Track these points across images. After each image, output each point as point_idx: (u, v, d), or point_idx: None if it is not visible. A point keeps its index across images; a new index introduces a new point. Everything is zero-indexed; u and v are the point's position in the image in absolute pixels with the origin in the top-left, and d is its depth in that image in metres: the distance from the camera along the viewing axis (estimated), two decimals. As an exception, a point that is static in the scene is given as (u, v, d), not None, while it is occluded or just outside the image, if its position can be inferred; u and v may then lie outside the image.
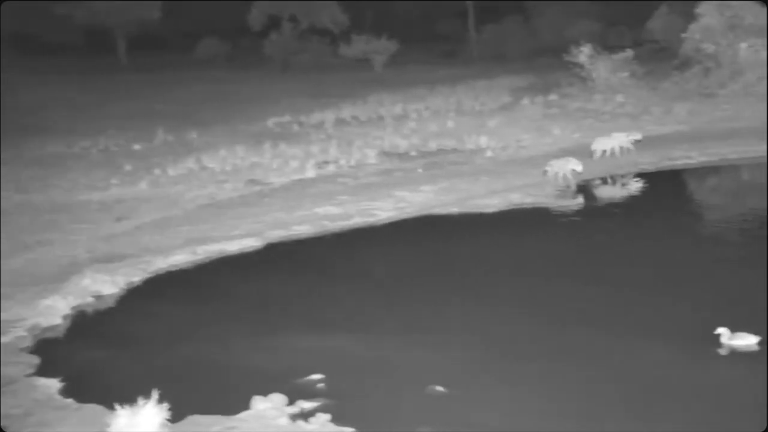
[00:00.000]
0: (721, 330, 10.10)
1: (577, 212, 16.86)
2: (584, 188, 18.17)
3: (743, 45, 27.80)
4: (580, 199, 17.52)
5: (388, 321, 11.73)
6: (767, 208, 15.43)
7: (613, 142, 20.62)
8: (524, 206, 17.09)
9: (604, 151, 20.34)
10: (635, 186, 18.05)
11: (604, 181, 18.71)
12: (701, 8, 29.29)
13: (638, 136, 20.68)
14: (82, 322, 12.33)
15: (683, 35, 29.80)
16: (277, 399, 9.32)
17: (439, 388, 9.50)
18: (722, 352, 9.96)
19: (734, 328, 10.11)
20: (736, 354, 9.88)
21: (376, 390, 9.65)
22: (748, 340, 10.01)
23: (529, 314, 11.54)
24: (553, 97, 29.61)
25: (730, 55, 28.00)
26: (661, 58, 33.22)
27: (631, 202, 17.45)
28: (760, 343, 9.94)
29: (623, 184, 18.30)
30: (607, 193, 18.12)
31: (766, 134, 20.18)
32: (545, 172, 18.42)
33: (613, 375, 9.64)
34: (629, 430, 8.38)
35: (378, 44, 44.22)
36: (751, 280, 12.04)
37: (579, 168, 18.08)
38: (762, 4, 28.96)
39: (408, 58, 44.14)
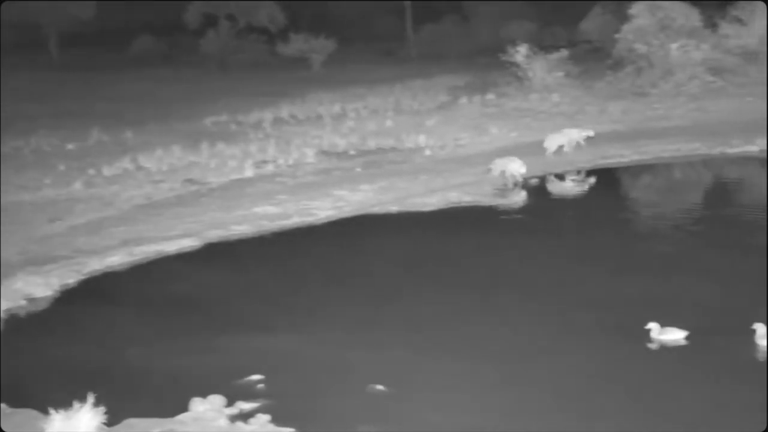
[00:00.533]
0: (652, 325, 10.33)
1: (515, 210, 17.08)
2: (522, 187, 18.35)
3: (674, 45, 28.35)
4: (517, 198, 17.74)
5: (328, 320, 11.73)
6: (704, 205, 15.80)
7: (565, 138, 20.93)
8: (462, 205, 17.22)
9: (561, 146, 20.68)
10: (571, 184, 18.29)
11: (542, 179, 18.90)
12: (634, 9, 29.80)
13: (590, 133, 21.02)
14: (15, 326, 12.07)
15: (616, 36, 30.26)
16: (216, 400, 9.26)
17: (380, 387, 9.52)
18: (653, 346, 10.19)
19: (666, 323, 10.35)
20: (665, 348, 10.13)
21: (317, 390, 9.65)
22: (675, 335, 10.25)
23: (469, 313, 11.64)
24: (490, 96, 29.82)
25: (661, 55, 28.52)
26: (595, 58, 33.66)
27: (568, 199, 17.70)
28: (687, 338, 10.19)
29: (560, 183, 18.51)
30: (544, 191, 18.32)
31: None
32: (489, 170, 18.57)
33: (551, 371, 9.78)
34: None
35: (316, 43, 44.04)
36: (684, 275, 12.35)
37: (523, 170, 18.27)
38: (692, 5, 29.63)
39: (346, 57, 44.05)
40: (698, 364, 9.69)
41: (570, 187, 18.23)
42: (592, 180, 18.87)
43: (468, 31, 48.07)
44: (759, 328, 9.97)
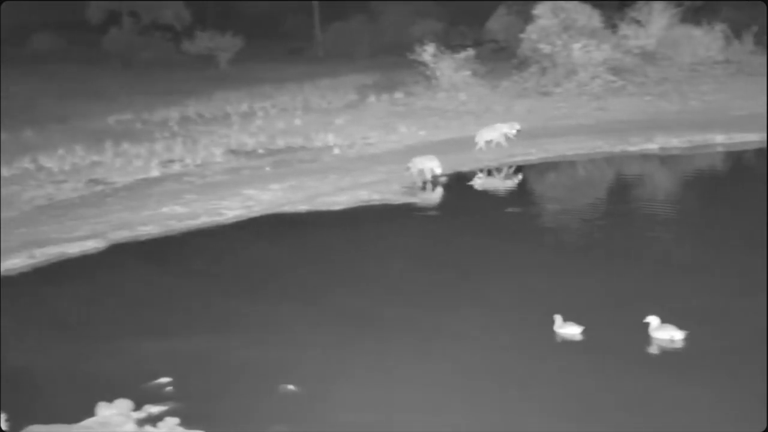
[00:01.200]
0: (556, 317, 10.58)
1: (426, 208, 17.22)
2: (431, 185, 18.51)
3: (576, 46, 29.02)
4: (428, 196, 17.91)
5: (238, 321, 11.62)
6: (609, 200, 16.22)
7: (496, 132, 21.22)
8: (372, 203, 17.29)
9: (491, 141, 20.97)
10: (480, 182, 18.54)
11: (450, 177, 19.09)
12: (538, 10, 30.38)
13: (518, 126, 21.36)
14: None
15: (521, 36, 30.84)
16: (123, 404, 9.08)
17: (291, 387, 9.48)
18: (556, 340, 10.44)
19: (569, 317, 10.60)
20: (565, 342, 10.39)
21: (227, 391, 9.56)
22: (573, 329, 10.52)
23: (381, 310, 11.68)
24: (398, 95, 30.01)
25: (564, 55, 29.15)
26: (501, 58, 34.24)
27: (477, 197, 17.92)
28: (583, 333, 10.46)
29: (468, 181, 18.73)
30: (452, 189, 18.49)
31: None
32: (407, 168, 18.68)
33: (458, 366, 9.91)
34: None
35: (223, 41, 43.53)
36: (589, 269, 12.68)
37: (438, 169, 18.45)
38: (593, 7, 30.38)
39: (254, 55, 43.68)
40: (594, 358, 9.92)
41: (479, 184, 18.45)
42: (501, 177, 19.19)
43: (376, 30, 48.24)
44: (653, 320, 10.27)
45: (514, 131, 21.14)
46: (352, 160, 21.05)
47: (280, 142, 23.22)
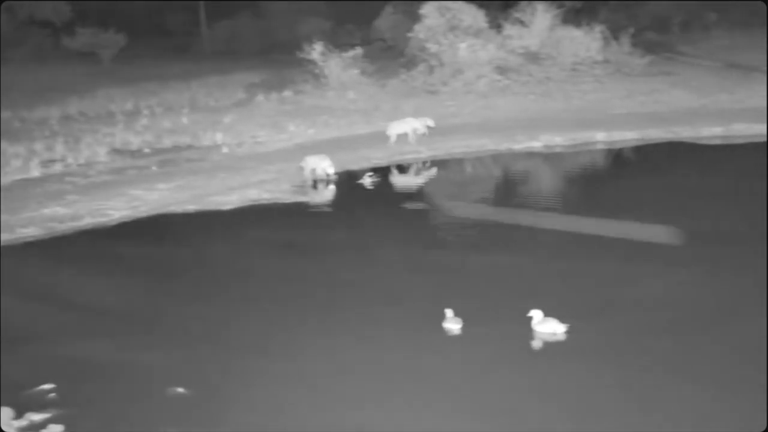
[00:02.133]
0: (447, 310, 10.76)
1: (316, 207, 17.20)
2: (322, 183, 18.51)
3: (463, 45, 29.52)
4: (317, 194, 17.90)
5: (124, 323, 11.34)
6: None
7: (407, 126, 21.33)
8: (262, 202, 17.17)
9: (406, 133, 21.14)
10: (369, 180, 18.62)
11: (341, 176, 19.12)
12: (424, 9, 30.78)
13: (430, 123, 21.64)
14: None
15: (409, 35, 31.19)
16: (3, 413, 8.75)
17: (181, 390, 9.33)
18: (445, 335, 10.60)
19: (458, 312, 10.79)
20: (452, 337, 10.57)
21: (114, 395, 9.33)
22: (456, 324, 10.69)
23: (271, 310, 11.61)
24: (287, 93, 29.89)
25: (451, 54, 29.62)
26: (389, 57, 34.53)
27: (367, 195, 18.00)
28: (460, 329, 10.63)
29: (358, 180, 18.79)
30: (343, 187, 18.52)
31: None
32: (301, 168, 18.61)
33: (345, 362, 9.95)
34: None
35: (105, 37, 42.47)
36: (475, 264, 12.91)
37: (331, 169, 18.46)
38: (478, 7, 30.95)
39: (138, 52, 42.79)
40: (478, 350, 10.10)
41: (368, 183, 18.53)
42: (387, 176, 19.35)
43: (263, 27, 47.93)
44: (535, 314, 10.51)
45: (425, 126, 21.44)
46: (242, 159, 20.84)
47: (167, 141, 22.80)
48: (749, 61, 32.96)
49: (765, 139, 20.14)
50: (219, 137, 22.91)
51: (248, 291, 12.35)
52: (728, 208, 15.23)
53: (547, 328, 10.45)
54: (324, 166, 18.45)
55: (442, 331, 10.63)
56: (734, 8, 45.57)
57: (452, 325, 10.68)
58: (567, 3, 32.87)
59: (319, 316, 11.35)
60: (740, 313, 10.75)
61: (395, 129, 21.44)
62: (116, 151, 21.76)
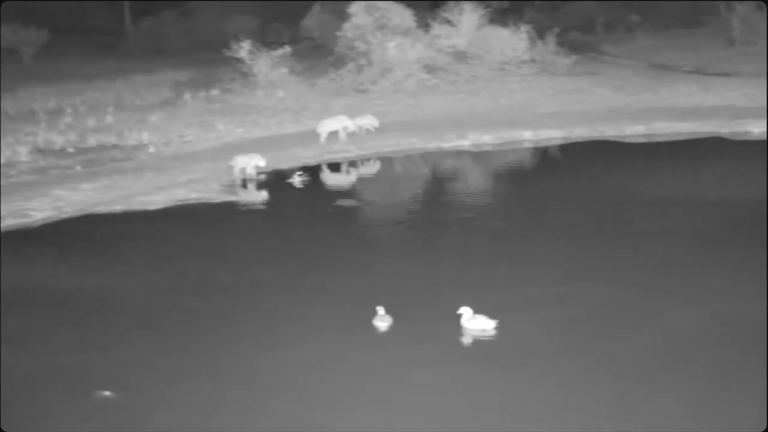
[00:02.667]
0: (378, 307, 10.79)
1: (246, 206, 17.08)
2: (251, 183, 18.38)
3: (391, 44, 29.62)
4: (247, 194, 17.79)
5: (49, 327, 11.09)
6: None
7: (339, 124, 21.28)
8: (191, 202, 16.97)
9: (345, 128, 21.11)
10: (299, 180, 18.54)
11: (270, 175, 19.00)
12: (352, 8, 30.80)
13: (374, 122, 21.92)
14: None
15: (337, 34, 31.17)
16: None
17: (107, 393, 9.17)
18: (375, 333, 10.63)
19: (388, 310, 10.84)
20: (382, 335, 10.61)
21: (38, 399, 9.11)
22: (386, 322, 10.74)
23: (201, 311, 11.49)
24: (215, 92, 29.59)
25: (380, 53, 29.69)
26: (317, 55, 34.43)
27: (297, 194, 17.93)
28: (390, 326, 10.68)
29: (288, 179, 18.70)
30: (273, 187, 18.41)
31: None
32: (231, 167, 18.44)
33: (280, 361, 9.90)
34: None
35: (26, 34, 41.44)
36: (405, 262, 12.97)
37: (262, 163, 18.36)
38: (406, 6, 31.09)
39: (61, 50, 41.84)
40: (408, 349, 10.14)
41: (298, 182, 18.45)
42: (318, 175, 19.33)
43: (189, 25, 47.36)
44: (465, 312, 10.61)
45: (356, 124, 21.53)
46: (169, 158, 20.56)
47: (92, 141, 22.38)
48: (670, 61, 33.83)
49: (687, 137, 20.71)
50: (145, 136, 22.56)
51: (177, 293, 12.18)
52: (653, 205, 15.58)
53: (476, 325, 10.54)
54: (254, 163, 18.35)
55: (371, 329, 10.65)
56: (656, 10, 46.72)
57: (382, 322, 10.71)
58: (494, 3, 33.26)
59: (248, 316, 11.27)
60: (668, 308, 11.01)
61: (326, 127, 21.39)
62: (39, 151, 21.26)
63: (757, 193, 15.66)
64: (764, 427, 8.09)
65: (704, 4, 44.24)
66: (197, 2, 47.77)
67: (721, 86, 26.86)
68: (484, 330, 10.49)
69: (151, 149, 21.41)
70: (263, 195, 17.84)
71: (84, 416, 8.80)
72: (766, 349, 9.62)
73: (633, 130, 21.88)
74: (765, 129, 20.71)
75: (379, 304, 10.84)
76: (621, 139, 21.36)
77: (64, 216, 16.11)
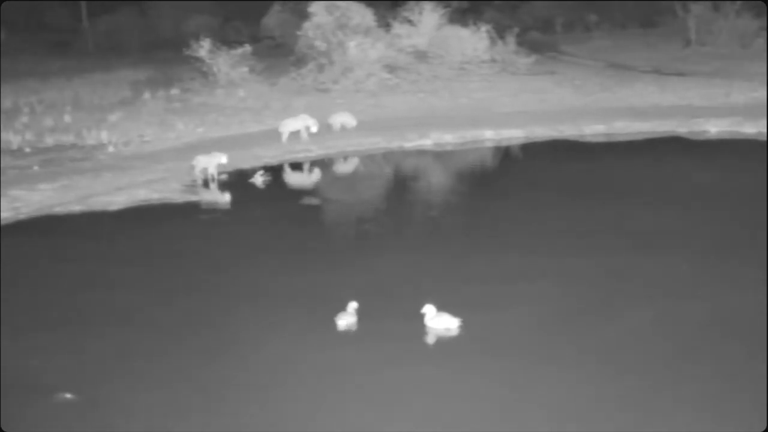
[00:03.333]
0: (352, 303, 10.83)
1: (207, 206, 16.97)
2: (217, 183, 18.27)
3: (352, 44, 29.59)
4: (209, 193, 17.68)
5: (7, 329, 10.91)
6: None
7: (301, 123, 21.20)
8: (151, 202, 16.82)
9: (307, 128, 21.05)
10: (261, 179, 18.45)
11: (231, 175, 18.89)
12: (312, 7, 30.71)
13: (352, 122, 22.09)
14: None
15: (298, 33, 31.06)
16: None
17: (68, 396, 9.06)
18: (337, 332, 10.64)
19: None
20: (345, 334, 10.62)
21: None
22: (349, 319, 10.79)
23: (163, 313, 11.39)
24: (175, 91, 29.32)
25: (340, 52, 29.64)
26: (278, 54, 34.28)
27: (259, 193, 17.83)
28: (350, 325, 10.75)
29: (250, 179, 18.60)
30: (234, 186, 18.28)
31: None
32: (192, 167, 18.31)
33: (239, 362, 9.86)
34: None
35: (-21, 33, 40.79)
36: (370, 260, 12.98)
37: (224, 160, 18.26)
38: (366, 5, 31.08)
39: (16, 48, 41.21)
40: (371, 347, 10.17)
41: (259, 182, 18.36)
42: (280, 174, 19.26)
43: (148, 24, 46.93)
44: (428, 310, 10.64)
45: (315, 123, 21.43)
46: (128, 158, 20.34)
47: (49, 140, 22.08)
48: (629, 61, 34.19)
49: (646, 136, 20.95)
50: (104, 136, 22.30)
51: (139, 295, 12.05)
52: (614, 203, 15.74)
53: (440, 323, 10.58)
54: (215, 162, 18.23)
55: (338, 328, 10.64)
56: (614, 10, 47.23)
57: (347, 320, 10.72)
58: (453, 3, 33.36)
59: (213, 317, 11.19)
60: (630, 306, 11.14)
61: (288, 126, 21.31)
62: (-5, 151, 20.93)
63: (717, 190, 15.91)
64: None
65: (660, 4, 44.88)
66: (156, 1, 47.33)
67: (678, 86, 27.21)
68: (447, 328, 10.52)
69: (111, 149, 21.18)
70: (225, 195, 17.71)
71: (43, 419, 8.69)
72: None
73: (593, 130, 22.07)
74: (722, 128, 21.03)
75: (345, 303, 10.84)
76: (581, 139, 21.55)
77: (22, 217, 15.88)
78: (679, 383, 9.15)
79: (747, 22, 34.92)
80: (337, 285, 11.98)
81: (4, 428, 8.42)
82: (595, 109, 24.58)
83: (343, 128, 22.17)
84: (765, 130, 20.39)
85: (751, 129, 20.66)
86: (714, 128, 21.22)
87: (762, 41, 34.59)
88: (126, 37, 45.05)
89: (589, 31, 44.88)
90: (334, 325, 10.70)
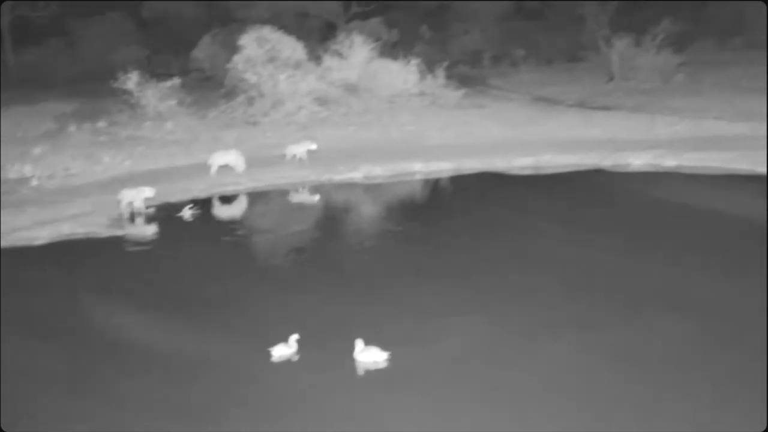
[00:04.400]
0: (292, 336, 10.84)
1: (133, 240, 16.68)
2: (144, 217, 18.01)
3: (282, 76, 29.59)
4: (136, 228, 17.41)
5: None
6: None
7: (232, 156, 21.18)
8: (76, 237, 16.49)
9: (226, 165, 21.03)
10: (189, 213, 18.25)
11: (159, 208, 18.66)
12: (243, 40, 30.67)
13: (312, 146, 22.28)
14: None
15: (228, 65, 30.94)
16: None
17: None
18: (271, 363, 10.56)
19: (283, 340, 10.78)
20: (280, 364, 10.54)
21: None
22: (285, 351, 10.79)
23: (85, 352, 11.15)
24: (101, 124, 28.91)
25: (271, 85, 29.61)
26: (208, 87, 34.11)
27: (187, 228, 17.62)
28: (296, 353, 10.78)
29: (178, 212, 18.38)
30: (162, 220, 18.05)
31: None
32: (119, 201, 18.02)
33: (173, 385, 9.69)
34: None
35: None
36: (302, 294, 12.90)
37: (151, 194, 18.15)
38: (297, 38, 31.17)
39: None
40: (307, 379, 10.18)
41: (188, 215, 18.16)
42: (209, 207, 19.09)
43: (74, 55, 46.24)
44: (357, 344, 10.68)
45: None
46: (53, 192, 19.94)
47: (-30, 174, 21.54)
48: (554, 94, 34.87)
49: (571, 169, 21.33)
50: (28, 169, 21.85)
51: (62, 334, 11.78)
52: (541, 234, 15.96)
53: (368, 357, 10.59)
54: (142, 197, 18.04)
55: (268, 361, 10.56)
56: (540, 46, 48.23)
57: (282, 351, 10.70)
58: (383, 36, 33.67)
59: (138, 355, 10.99)
60: (556, 334, 11.27)
61: (218, 159, 21.18)
62: None
63: (641, 221, 16.28)
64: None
65: (586, 39, 45.98)
66: (82, 32, 46.70)
67: (602, 120, 27.79)
68: (375, 362, 10.54)
69: (34, 183, 20.75)
70: (152, 229, 17.45)
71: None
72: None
73: (521, 162, 22.38)
74: (644, 161, 21.54)
75: (276, 336, 10.79)
76: (509, 171, 21.82)
77: (-59, 253, 15.42)
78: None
79: (667, 58, 35.94)
80: (270, 319, 11.90)
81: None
82: (523, 141, 24.92)
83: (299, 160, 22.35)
84: (684, 163, 20.94)
85: (671, 162, 21.19)
86: (637, 161, 21.69)
87: (681, 76, 35.72)
88: (52, 68, 44.30)
89: (516, 65, 45.66)
90: (265, 358, 10.61)
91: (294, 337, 10.88)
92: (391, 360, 10.50)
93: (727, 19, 53.17)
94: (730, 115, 26.85)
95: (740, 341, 10.56)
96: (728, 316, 11.38)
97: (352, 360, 10.51)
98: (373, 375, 10.33)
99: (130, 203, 18.00)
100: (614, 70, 36.93)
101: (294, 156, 22.54)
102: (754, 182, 18.83)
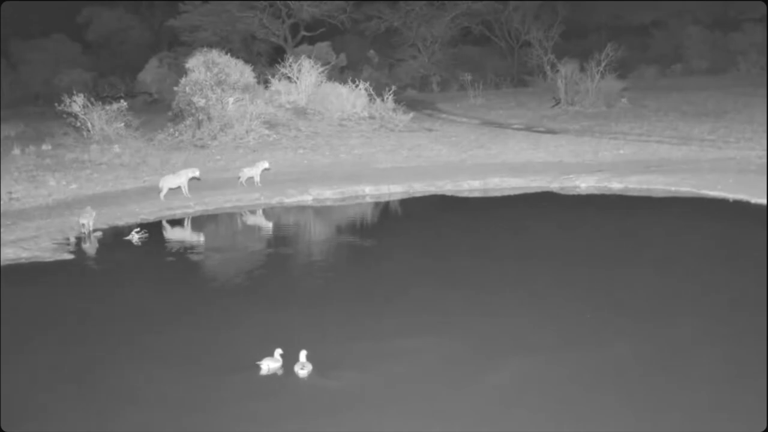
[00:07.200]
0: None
1: (80, 264, 16.41)
2: (91, 239, 17.75)
3: (230, 100, 29.55)
4: (82, 251, 17.15)
5: None
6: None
7: (180, 179, 20.88)
8: (20, 262, 16.17)
9: (177, 188, 20.96)
10: (137, 237, 18.04)
11: (106, 232, 18.42)
12: (190, 63, 30.60)
13: (265, 165, 22.35)
14: None
15: (175, 88, 30.81)
16: None
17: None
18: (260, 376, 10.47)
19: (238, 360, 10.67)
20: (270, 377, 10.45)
21: None
22: (274, 364, 10.79)
23: (30, 384, 10.92)
24: (46, 147, 28.53)
25: (219, 108, 29.55)
26: (155, 110, 33.96)
27: (135, 251, 17.40)
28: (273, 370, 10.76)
29: (125, 236, 18.15)
30: (109, 244, 17.80)
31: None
32: (82, 225, 17.95)
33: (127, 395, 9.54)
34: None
35: None
36: (251, 314, 12.81)
37: (91, 220, 18.15)
38: (245, 62, 31.19)
39: None
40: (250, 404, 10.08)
41: (136, 239, 17.94)
42: (159, 230, 18.88)
43: (17, 78, 45.66)
44: (301, 356, 10.74)
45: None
46: (-5, 216, 19.56)
47: None
48: (501, 118, 35.32)
49: (520, 192, 21.57)
50: (-31, 193, 21.44)
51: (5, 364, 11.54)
52: (491, 256, 16.08)
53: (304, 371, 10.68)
54: (89, 218, 17.85)
55: (229, 383, 10.45)
56: (487, 71, 48.89)
57: (269, 364, 10.76)
58: (332, 60, 33.83)
59: (88, 382, 10.80)
60: (497, 361, 11.33)
61: (167, 183, 21.02)
62: None
63: (589, 245, 16.50)
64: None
65: (531, 64, 46.69)
66: (26, 54, 46.14)
67: (549, 143, 28.19)
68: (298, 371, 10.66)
69: (-24, 206, 20.34)
70: (100, 252, 17.20)
71: None
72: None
73: (469, 185, 22.56)
74: (591, 184, 21.86)
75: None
76: (458, 194, 21.98)
77: None
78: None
79: (611, 83, 36.69)
80: (225, 342, 11.78)
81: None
82: (471, 165, 25.17)
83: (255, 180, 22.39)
84: (630, 186, 21.31)
85: (617, 185, 21.54)
86: (584, 184, 22.01)
87: (625, 101, 36.46)
88: (-6, 91, 43.68)
89: (464, 89, 46.20)
90: (226, 380, 10.50)
91: (279, 351, 10.88)
92: (340, 382, 10.44)
93: (667, 47, 54.56)
94: (672, 138, 27.46)
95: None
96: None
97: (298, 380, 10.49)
98: (321, 398, 10.26)
99: (83, 224, 17.93)
100: (560, 94, 37.55)
101: (250, 178, 22.42)
102: (696, 204, 19.26)
